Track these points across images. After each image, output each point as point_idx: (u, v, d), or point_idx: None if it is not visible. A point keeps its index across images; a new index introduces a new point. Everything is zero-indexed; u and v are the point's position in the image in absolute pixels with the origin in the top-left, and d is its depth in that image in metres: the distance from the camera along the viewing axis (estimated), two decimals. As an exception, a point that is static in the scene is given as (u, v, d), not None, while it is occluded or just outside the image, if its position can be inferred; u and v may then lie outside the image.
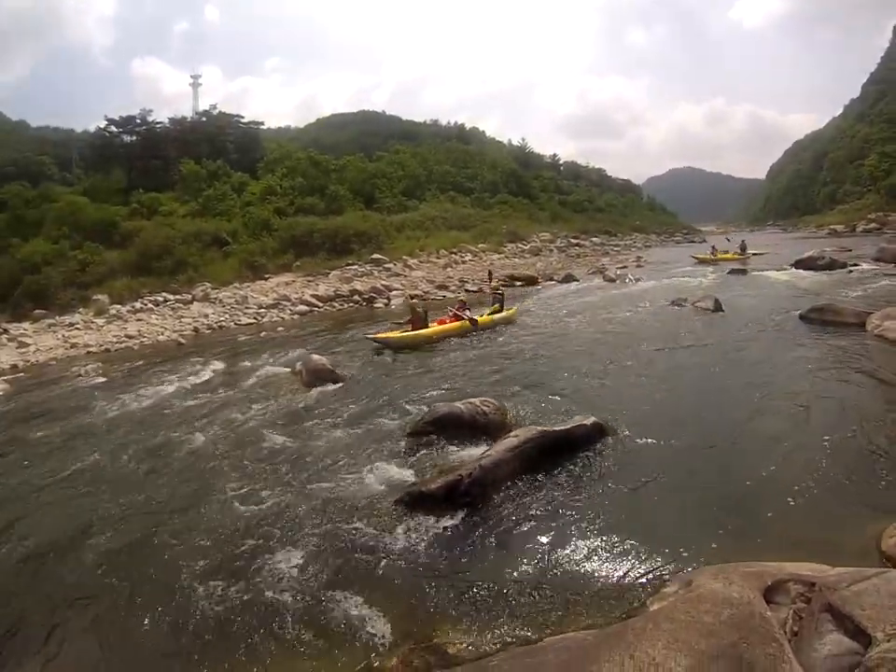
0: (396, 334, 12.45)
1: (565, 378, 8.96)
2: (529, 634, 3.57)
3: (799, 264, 22.29)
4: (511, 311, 14.87)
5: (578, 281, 23.97)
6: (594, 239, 44.82)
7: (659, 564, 4.10)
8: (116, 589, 4.64)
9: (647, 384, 8.40)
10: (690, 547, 4.23)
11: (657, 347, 10.52)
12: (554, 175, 63.79)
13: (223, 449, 7.47)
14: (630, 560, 4.20)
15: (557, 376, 9.12)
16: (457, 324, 13.06)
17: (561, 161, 72.30)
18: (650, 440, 6.25)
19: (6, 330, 21.92)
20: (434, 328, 12.86)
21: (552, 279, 25.26)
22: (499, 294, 15.67)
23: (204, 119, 44.42)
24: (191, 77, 65.15)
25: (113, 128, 40.37)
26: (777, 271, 21.88)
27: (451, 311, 13.78)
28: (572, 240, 42.97)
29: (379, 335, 12.58)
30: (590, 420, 6.32)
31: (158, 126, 41.21)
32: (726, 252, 29.87)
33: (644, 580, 3.95)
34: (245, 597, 4.24)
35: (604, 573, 4.12)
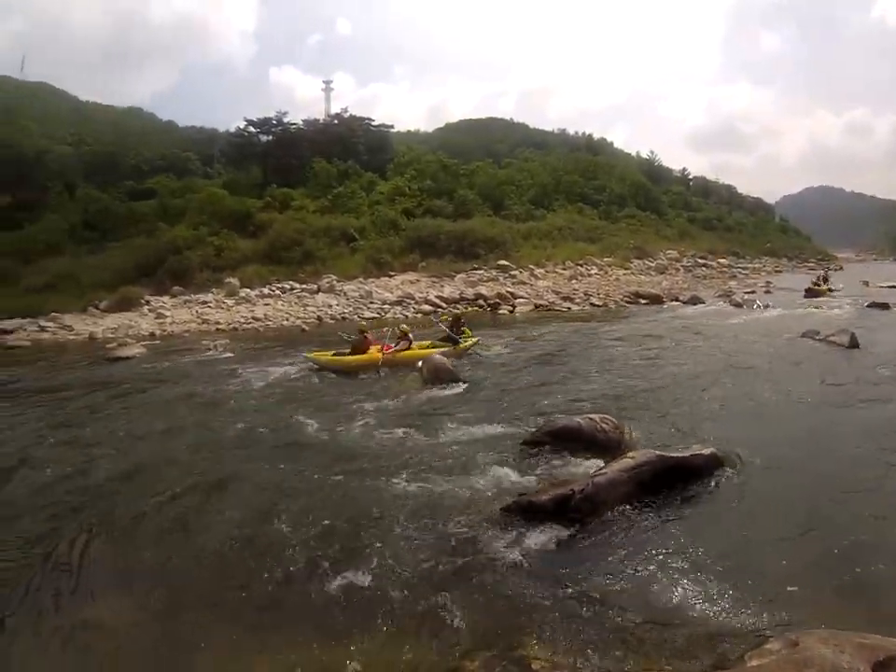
0: (326, 356, 11.98)
1: (684, 403, 8.59)
2: (616, 665, 3.38)
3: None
4: (467, 343, 12.86)
5: (704, 304, 22.51)
6: (721, 260, 41.38)
7: (764, 617, 3.75)
8: (224, 556, 4.84)
9: (770, 419, 7.83)
10: (800, 604, 3.89)
11: (784, 382, 9.68)
12: (683, 190, 60.17)
13: (336, 436, 7.61)
14: (733, 607, 3.86)
15: (677, 401, 8.74)
16: (376, 356, 11.68)
17: (691, 176, 68.23)
18: (769, 480, 5.84)
19: (147, 302, 23.69)
20: (354, 357, 11.84)
21: (677, 299, 23.94)
22: (457, 324, 13.35)
23: (336, 121, 45.60)
24: (323, 82, 67.08)
25: (251, 128, 42.24)
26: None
27: (394, 335, 12.54)
28: (699, 259, 39.95)
29: (311, 354, 12.21)
30: (708, 450, 6.04)
31: (292, 127, 42.58)
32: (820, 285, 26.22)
33: (745, 631, 3.62)
34: (342, 580, 4.29)
35: (703, 616, 3.81)
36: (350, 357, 11.77)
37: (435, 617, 3.86)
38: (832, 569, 4.31)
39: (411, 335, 12.40)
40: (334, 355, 11.93)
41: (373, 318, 21.16)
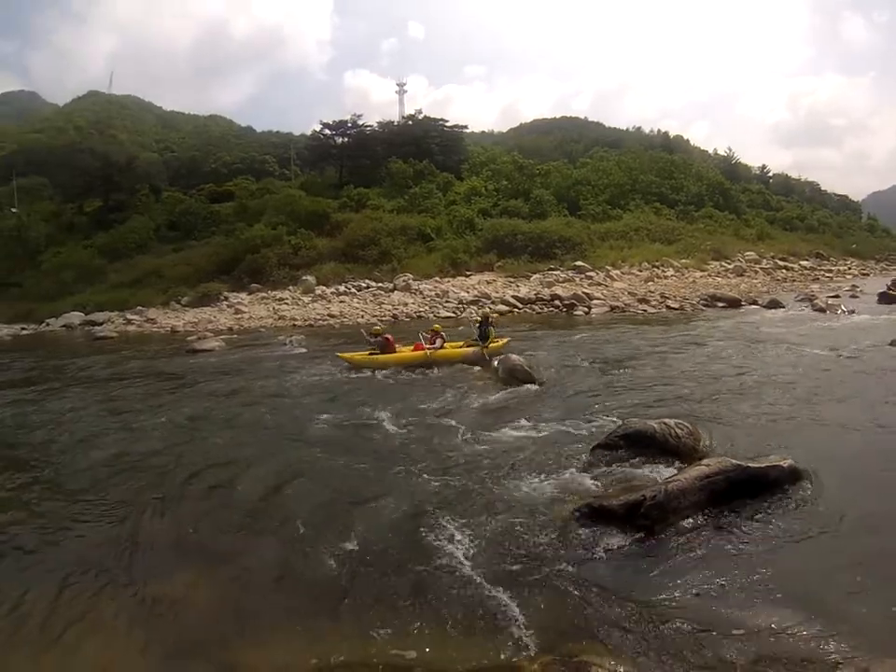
0: (360, 356, 12.04)
1: (762, 412, 8.07)
2: None
3: None
4: (498, 342, 12.60)
5: (784, 308, 21.00)
6: (803, 262, 38.50)
7: (836, 643, 3.44)
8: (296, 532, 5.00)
9: (853, 435, 7.23)
10: (873, 633, 3.55)
11: (869, 395, 8.83)
12: (763, 188, 56.76)
13: (410, 432, 7.61)
14: (802, 630, 3.58)
15: (754, 408, 8.22)
16: (418, 354, 11.85)
17: (770, 174, 64.50)
18: (850, 500, 5.38)
19: (226, 298, 24.36)
20: (395, 355, 11.97)
21: (755, 303, 22.51)
22: (485, 323, 12.79)
23: (410, 122, 45.90)
24: (397, 85, 67.76)
25: (327, 131, 42.96)
26: None
27: (423, 336, 12.48)
28: (779, 261, 37.32)
29: (345, 354, 12.24)
30: (787, 462, 5.70)
31: (367, 129, 43.15)
32: None
33: (815, 655, 3.38)
34: (407, 574, 4.28)
35: (770, 637, 3.54)
36: (395, 355, 11.91)
37: (498, 615, 3.81)
38: None
39: (443, 334, 12.42)
40: (370, 354, 12.00)
41: (449, 317, 20.84)
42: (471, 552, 4.53)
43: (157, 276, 27.22)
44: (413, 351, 12.00)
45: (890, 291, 22.79)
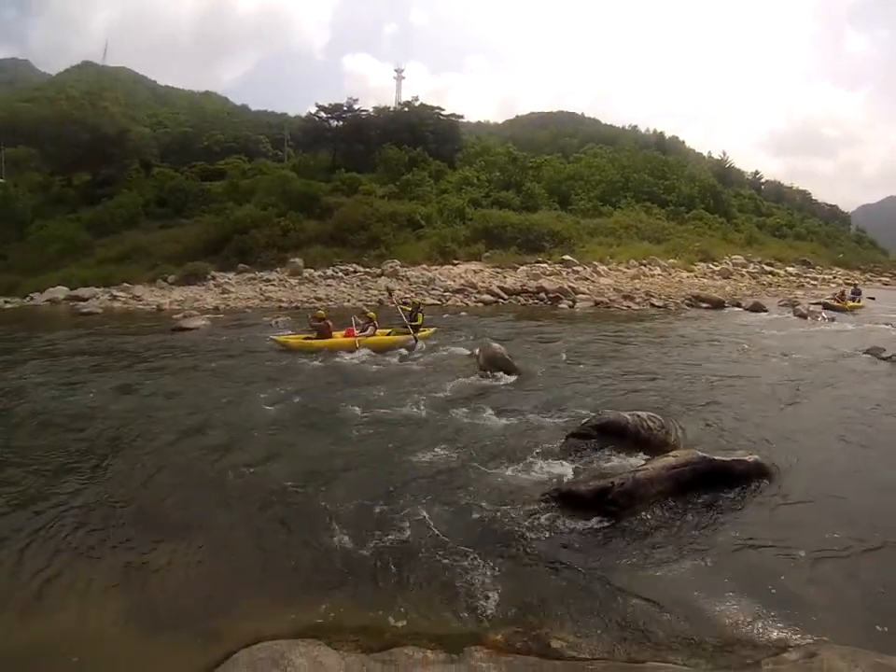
0: (295, 340, 12.32)
1: (734, 409, 8.31)
2: (633, 652, 3.43)
3: None
4: (426, 332, 12.96)
5: (766, 312, 21.29)
6: (789, 268, 38.90)
7: (788, 627, 3.67)
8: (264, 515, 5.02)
9: (820, 436, 7.50)
10: (826, 620, 3.78)
11: (839, 399, 9.22)
12: (754, 193, 57.35)
13: (386, 416, 7.66)
14: (757, 614, 3.78)
15: (727, 406, 8.47)
16: (347, 340, 12.09)
17: (763, 180, 65.17)
18: (814, 496, 5.65)
19: (214, 277, 24.35)
20: (327, 340, 12.09)
21: (738, 305, 22.87)
22: (409, 309, 13.27)
23: (406, 109, 45.57)
24: (395, 71, 67.60)
25: (322, 113, 42.68)
26: None
27: (356, 322, 12.72)
28: (766, 266, 37.66)
29: (279, 337, 12.45)
30: (752, 457, 5.94)
31: (363, 113, 42.88)
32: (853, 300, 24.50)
33: (766, 637, 3.57)
34: (377, 549, 4.40)
35: (725, 618, 3.76)
36: (326, 340, 12.07)
37: (465, 589, 3.97)
38: (865, 591, 4.17)
39: (376, 321, 12.66)
40: (305, 339, 12.23)
41: (434, 305, 21.03)
42: (441, 529, 4.68)
43: (144, 253, 26.98)
44: (344, 337, 12.19)
45: (835, 302, 23.39)
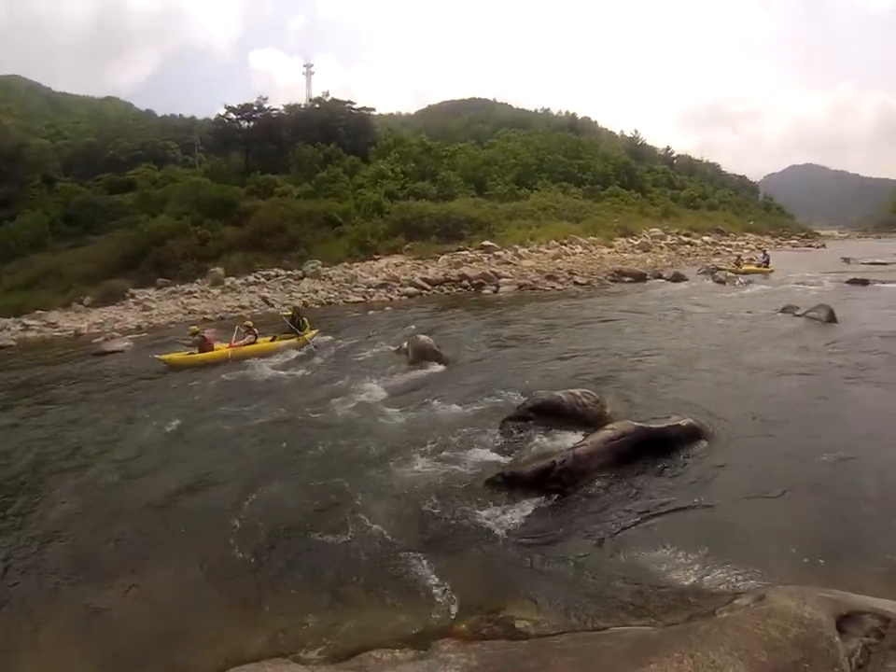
0: (179, 356, 12.38)
1: (665, 378, 8.73)
2: (596, 621, 3.61)
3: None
4: (311, 333, 13.39)
5: (687, 280, 22.56)
6: (705, 238, 41.05)
7: (737, 576, 3.97)
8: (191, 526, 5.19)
9: (746, 392, 8.02)
10: (772, 564, 4.10)
11: (761, 356, 9.88)
12: (667, 168, 59.65)
13: (324, 417, 7.76)
14: (708, 567, 4.09)
15: (658, 375, 8.87)
16: (225, 351, 12.37)
17: (674, 155, 67.64)
18: (745, 449, 6.06)
19: (132, 295, 23.67)
20: (209, 353, 12.31)
21: (660, 277, 23.98)
22: (291, 314, 13.91)
23: (317, 105, 45.10)
24: (304, 66, 66.37)
25: (232, 115, 41.65)
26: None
27: (239, 331, 13.02)
28: (683, 237, 39.56)
29: (163, 356, 12.39)
30: (686, 421, 6.23)
31: (273, 112, 42.14)
32: (750, 262, 26.51)
33: (718, 588, 3.86)
34: (330, 553, 4.54)
35: (679, 576, 4.04)
36: (202, 355, 12.23)
37: (424, 585, 4.07)
38: (803, 532, 4.51)
39: (256, 330, 12.99)
40: (188, 354, 12.38)
41: (359, 302, 21.31)
42: (392, 528, 4.78)
43: (55, 276, 25.77)
44: (228, 347, 12.44)
45: (735, 267, 25.00)
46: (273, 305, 16.52)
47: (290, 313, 14.07)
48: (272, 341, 13.01)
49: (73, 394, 10.61)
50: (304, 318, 13.53)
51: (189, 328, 13.26)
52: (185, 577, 4.49)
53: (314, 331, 13.58)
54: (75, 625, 4.06)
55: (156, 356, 12.45)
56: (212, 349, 12.37)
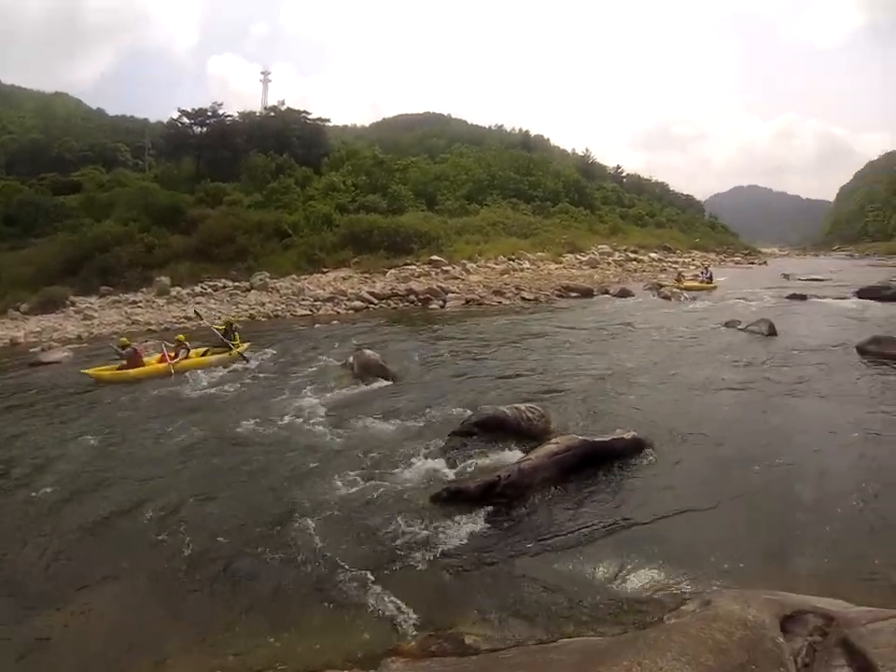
0: (108, 371, 11.89)
1: (609, 391, 8.98)
2: (545, 633, 3.69)
3: (863, 293, 20.87)
4: (242, 346, 13.40)
5: (633, 296, 23.34)
6: (652, 254, 42.83)
7: (683, 583, 4.13)
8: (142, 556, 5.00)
9: (690, 404, 8.34)
10: (717, 570, 4.29)
11: (705, 369, 10.32)
12: (617, 186, 62.25)
13: (267, 434, 7.73)
14: (654, 576, 4.24)
15: (603, 389, 9.11)
16: (162, 366, 12.08)
17: (624, 174, 70.86)
18: (688, 460, 6.31)
19: (73, 303, 22.91)
20: (142, 368, 12.01)
21: (607, 292, 24.65)
22: (223, 328, 13.88)
23: (272, 113, 45.18)
24: (261, 73, 66.26)
25: (185, 119, 41.34)
26: (839, 299, 20.63)
27: (167, 346, 12.86)
28: (630, 254, 41.25)
29: (90, 370, 11.89)
30: (630, 434, 6.42)
31: (227, 119, 42.11)
32: (694, 279, 27.98)
33: (665, 596, 3.99)
34: (278, 569, 4.57)
35: (626, 585, 4.17)
36: (140, 369, 11.90)
37: (371, 603, 4.10)
38: (745, 539, 4.76)
39: (187, 343, 12.82)
40: (118, 369, 11.92)
41: (305, 315, 21.31)
42: (336, 549, 4.77)
43: None
44: (158, 362, 12.17)
45: (676, 283, 26.01)
46: (203, 319, 16.55)
47: (223, 326, 14.04)
48: (203, 355, 12.92)
49: (0, 408, 10.27)
50: (236, 331, 13.58)
51: (119, 339, 12.86)
52: (126, 601, 4.41)
53: (245, 344, 13.56)
54: (14, 656, 3.91)
55: (83, 370, 11.95)
56: (143, 363, 12.10)
